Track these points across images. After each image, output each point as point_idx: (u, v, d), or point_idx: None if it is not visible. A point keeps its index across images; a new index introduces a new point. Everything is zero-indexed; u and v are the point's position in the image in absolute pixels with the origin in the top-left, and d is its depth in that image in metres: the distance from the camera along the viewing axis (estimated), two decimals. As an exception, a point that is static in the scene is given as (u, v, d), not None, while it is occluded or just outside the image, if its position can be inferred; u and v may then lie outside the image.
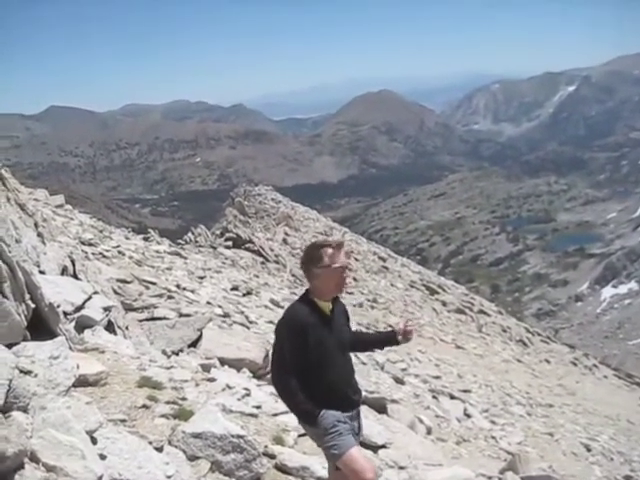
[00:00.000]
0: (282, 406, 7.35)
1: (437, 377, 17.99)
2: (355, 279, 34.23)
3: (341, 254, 4.23)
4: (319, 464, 5.56)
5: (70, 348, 5.96)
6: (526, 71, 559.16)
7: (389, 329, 4.79)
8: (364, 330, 22.11)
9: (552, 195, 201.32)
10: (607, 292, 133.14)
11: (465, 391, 17.30)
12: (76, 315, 7.20)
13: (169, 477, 3.77)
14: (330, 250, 4.20)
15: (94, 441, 3.68)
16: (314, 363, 4.12)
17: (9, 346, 4.17)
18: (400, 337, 4.52)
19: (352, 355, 4.56)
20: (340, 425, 4.14)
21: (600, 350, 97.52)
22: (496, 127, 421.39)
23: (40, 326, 5.72)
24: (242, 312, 15.74)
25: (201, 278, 19.27)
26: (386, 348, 5.97)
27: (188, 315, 11.48)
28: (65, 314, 6.87)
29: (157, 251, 22.03)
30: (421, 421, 11.71)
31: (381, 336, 4.93)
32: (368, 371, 15.17)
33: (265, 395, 7.87)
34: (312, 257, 4.25)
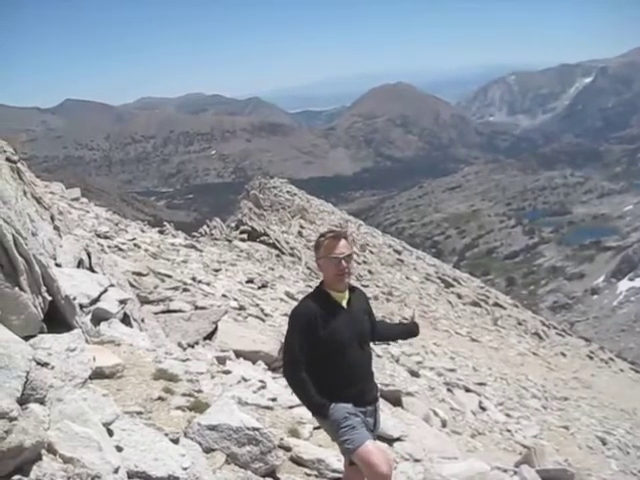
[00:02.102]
0: (297, 399, 7.38)
1: (452, 370, 17.96)
2: (370, 272, 34.22)
3: (339, 244, 4.17)
4: (334, 457, 5.57)
5: (86, 341, 6.00)
6: (542, 63, 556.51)
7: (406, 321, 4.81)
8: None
9: (568, 188, 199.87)
10: (623, 285, 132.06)
11: (480, 384, 17.28)
12: (92, 308, 7.24)
13: (185, 469, 3.78)
14: (326, 241, 4.19)
15: (110, 433, 3.70)
16: (327, 355, 4.11)
17: (26, 339, 4.19)
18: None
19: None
20: (352, 418, 4.11)
21: (616, 343, 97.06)
22: (512, 119, 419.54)
23: (56, 319, 5.76)
24: (257, 305, 15.78)
25: (216, 271, 19.32)
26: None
27: (203, 308, 11.53)
28: (81, 307, 6.91)
29: (172, 244, 22.12)
30: (436, 414, 11.71)
31: (404, 328, 4.98)
32: (383, 364, 15.18)
33: (280, 387, 7.89)
34: (314, 247, 4.32)
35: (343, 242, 4.20)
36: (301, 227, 38.72)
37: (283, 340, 4.64)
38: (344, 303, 4.26)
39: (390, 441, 7.78)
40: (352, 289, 4.40)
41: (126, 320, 7.91)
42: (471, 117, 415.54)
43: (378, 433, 7.62)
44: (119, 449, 3.61)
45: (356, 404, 4.18)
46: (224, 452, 4.76)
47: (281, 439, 5.68)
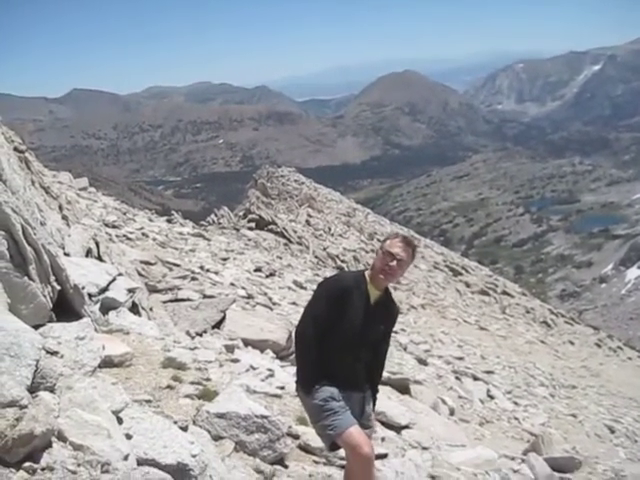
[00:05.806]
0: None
1: (460, 358, 17.97)
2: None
3: (403, 247, 4.22)
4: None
5: (95, 329, 6.03)
6: (550, 50, 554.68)
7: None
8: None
9: (576, 175, 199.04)
10: (632, 273, 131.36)
11: (488, 372, 17.28)
12: (101, 297, 7.27)
13: (194, 456, 3.79)
14: (396, 240, 4.26)
15: (120, 421, 3.72)
16: (332, 334, 4.15)
17: (35, 328, 4.21)
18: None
19: None
20: (332, 402, 4.12)
21: (624, 332, 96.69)
22: (520, 107, 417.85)
23: (65, 308, 5.79)
24: (265, 293, 15.79)
25: (224, 260, 19.34)
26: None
27: (212, 296, 11.54)
28: (90, 296, 6.93)
29: (180, 233, 22.14)
30: (444, 402, 11.71)
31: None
32: (391, 352, 15.19)
33: (288, 376, 7.90)
34: (384, 239, 4.38)
35: (408, 250, 4.25)
36: (309, 216, 38.70)
37: (293, 329, 4.64)
38: (371, 299, 4.27)
39: (398, 429, 7.81)
40: (388, 297, 4.41)
41: (134, 309, 7.94)
42: (479, 105, 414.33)
43: (387, 421, 7.67)
44: (128, 437, 3.63)
45: (342, 389, 4.20)
46: (233, 440, 4.79)
47: (289, 427, 5.69)
